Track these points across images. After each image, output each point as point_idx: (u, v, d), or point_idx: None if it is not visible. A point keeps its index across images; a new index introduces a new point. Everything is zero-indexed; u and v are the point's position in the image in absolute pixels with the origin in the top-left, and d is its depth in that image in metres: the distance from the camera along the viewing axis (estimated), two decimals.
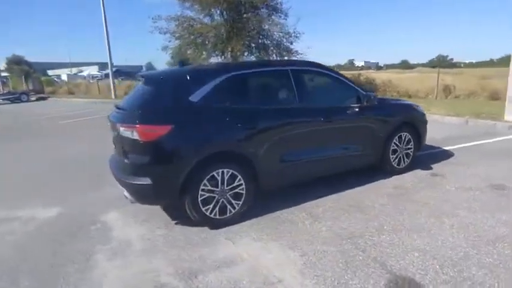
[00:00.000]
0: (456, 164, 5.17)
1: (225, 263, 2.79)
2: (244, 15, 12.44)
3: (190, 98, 3.27)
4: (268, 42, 12.55)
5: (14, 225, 3.69)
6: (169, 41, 12.94)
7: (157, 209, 3.84)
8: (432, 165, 5.08)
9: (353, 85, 4.30)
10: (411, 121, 4.76)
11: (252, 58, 13.45)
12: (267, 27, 12.29)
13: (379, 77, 16.58)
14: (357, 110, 4.16)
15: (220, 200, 3.37)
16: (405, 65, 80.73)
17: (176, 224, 3.54)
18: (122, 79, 29.41)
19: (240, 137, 3.40)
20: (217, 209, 3.36)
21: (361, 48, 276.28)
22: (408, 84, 14.44)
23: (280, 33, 12.53)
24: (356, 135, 4.28)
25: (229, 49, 12.49)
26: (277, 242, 3.11)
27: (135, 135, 3.07)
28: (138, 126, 3.06)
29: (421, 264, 2.67)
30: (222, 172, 3.32)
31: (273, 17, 12.34)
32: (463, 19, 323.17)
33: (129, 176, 3.23)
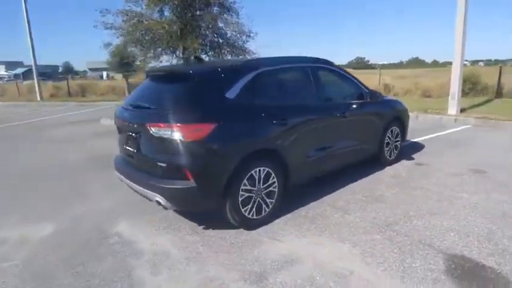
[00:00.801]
0: (430, 153, 5.75)
1: (286, 262, 2.71)
2: (197, 13, 12.13)
3: (226, 95, 3.10)
4: (223, 40, 12.43)
5: (4, 250, 3.08)
6: (117, 37, 11.98)
7: (168, 216, 3.57)
8: (412, 156, 5.59)
9: (357, 82, 4.52)
10: (400, 116, 5.18)
11: (206, 57, 13.19)
12: (221, 25, 12.17)
13: None
14: (363, 105, 4.38)
15: (257, 200, 3.26)
16: None
17: (205, 228, 3.32)
18: (43, 79, 26.24)
19: (275, 133, 3.34)
20: (254, 209, 3.24)
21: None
22: None
23: (234, 32, 12.51)
24: (364, 129, 4.52)
25: (182, 47, 12.06)
26: (322, 236, 3.12)
27: (177, 135, 2.81)
28: (181, 125, 2.80)
29: (461, 242, 2.93)
30: (259, 170, 3.22)
31: (225, 15, 12.24)
32: (378, 24, 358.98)
33: (166, 179, 2.94)
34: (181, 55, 12.61)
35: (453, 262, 2.65)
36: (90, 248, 3.05)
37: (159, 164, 2.96)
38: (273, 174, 3.34)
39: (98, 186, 4.58)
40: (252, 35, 12.27)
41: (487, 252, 2.76)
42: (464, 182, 4.39)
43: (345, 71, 4.52)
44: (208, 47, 12.50)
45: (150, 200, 3.15)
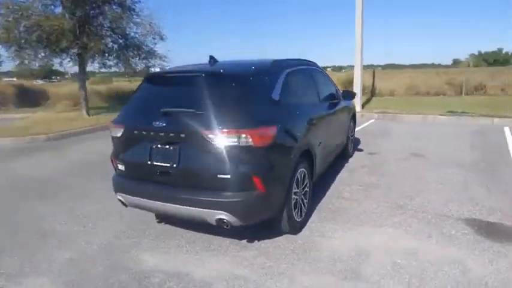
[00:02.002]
0: (369, 143, 6.69)
1: (361, 254, 2.81)
2: (92, 12, 10.62)
3: (273, 96, 2.98)
4: (128, 42, 11.22)
5: None
6: None
7: (188, 236, 3.21)
8: (359, 147, 6.39)
9: (331, 81, 4.93)
10: (354, 111, 5.86)
11: (108, 61, 11.66)
12: (124, 25, 10.95)
13: None
14: (339, 102, 4.80)
15: (299, 202, 3.24)
16: None
17: (249, 241, 3.10)
18: None
19: (308, 132, 3.37)
20: (298, 211, 3.21)
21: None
22: None
23: (137, 34, 11.49)
24: (341, 124, 4.94)
25: (77, 48, 10.38)
26: (364, 226, 3.33)
27: (245, 141, 2.55)
28: (250, 130, 2.55)
29: (465, 209, 3.58)
30: (300, 172, 3.21)
31: (127, 15, 11.12)
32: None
33: (231, 192, 2.62)
34: (76, 57, 10.89)
35: (473, 224, 3.26)
36: None
37: (219, 176, 2.61)
38: (307, 175, 3.38)
39: None
40: (163, 37, 11.48)
41: (486, 213, 3.50)
42: (417, 164, 5.31)
43: (324, 72, 4.89)
44: (114, 50, 11.15)
45: (202, 220, 2.76)
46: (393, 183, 4.46)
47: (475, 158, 5.52)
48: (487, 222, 3.32)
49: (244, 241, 3.11)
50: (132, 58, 11.45)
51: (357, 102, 10.37)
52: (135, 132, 2.93)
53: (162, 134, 2.76)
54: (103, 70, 12.76)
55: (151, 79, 3.36)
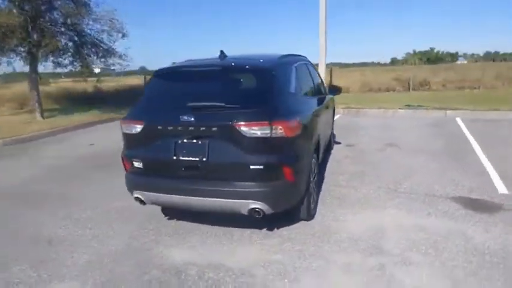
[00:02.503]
0: (344, 136, 7.07)
1: (377, 233, 3.05)
2: (43, 7, 9.81)
3: (290, 90, 3.11)
4: (84, 40, 10.54)
5: None
6: None
7: (207, 230, 3.25)
8: (335, 140, 6.75)
9: (319, 76, 5.19)
10: (334, 105, 6.18)
11: (64, 60, 10.84)
12: (80, 21, 10.27)
13: None
14: (326, 96, 5.06)
15: (313, 189, 3.42)
16: None
17: (269, 230, 3.19)
18: None
19: (316, 125, 3.55)
20: (312, 198, 3.39)
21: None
22: None
23: (92, 30, 10.86)
24: (329, 118, 5.21)
25: (29, 47, 9.56)
26: (367, 210, 3.60)
27: (278, 132, 2.65)
28: (282, 121, 2.66)
29: (449, 189, 4.02)
30: (313, 161, 3.38)
31: (83, 10, 10.44)
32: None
33: (264, 182, 2.70)
34: (25, 54, 10.02)
35: (460, 201, 3.69)
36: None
37: (252, 167, 2.68)
38: (316, 164, 3.57)
39: None
40: (125, 33, 10.96)
41: (467, 191, 3.97)
42: (393, 153, 5.78)
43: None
44: (68, 47, 10.43)
45: (232, 211, 2.82)
46: (379, 170, 4.83)
47: (442, 145, 6.14)
48: (469, 198, 3.77)
49: (264, 230, 3.21)
50: (89, 57, 10.82)
51: None
52: (159, 128, 2.89)
53: (191, 128, 2.76)
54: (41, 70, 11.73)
55: (165, 74, 3.30)
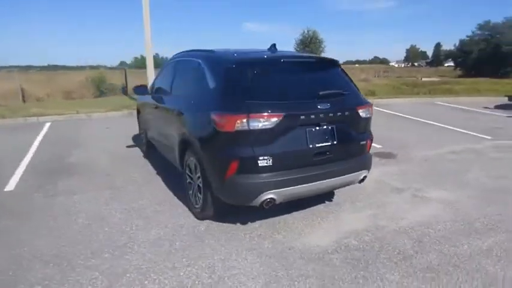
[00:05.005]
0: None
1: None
2: None
3: None
4: None
5: None
6: None
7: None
8: None
9: None
10: None
11: None
12: None
13: None
14: None
15: None
16: None
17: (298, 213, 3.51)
18: None
19: None
20: None
21: None
22: None
23: None
24: None
25: None
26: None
27: (369, 113, 3.30)
28: (370, 104, 3.33)
29: (464, 158, 5.44)
30: None
31: None
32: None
33: (366, 154, 3.36)
34: None
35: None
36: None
37: (361, 142, 3.23)
38: None
39: None
40: None
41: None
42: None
43: None
44: None
45: (349, 184, 3.32)
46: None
47: None
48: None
49: (294, 213, 3.45)
50: None
51: None
52: (300, 118, 2.83)
53: (321, 115, 2.91)
54: None
55: (256, 65, 3.07)
